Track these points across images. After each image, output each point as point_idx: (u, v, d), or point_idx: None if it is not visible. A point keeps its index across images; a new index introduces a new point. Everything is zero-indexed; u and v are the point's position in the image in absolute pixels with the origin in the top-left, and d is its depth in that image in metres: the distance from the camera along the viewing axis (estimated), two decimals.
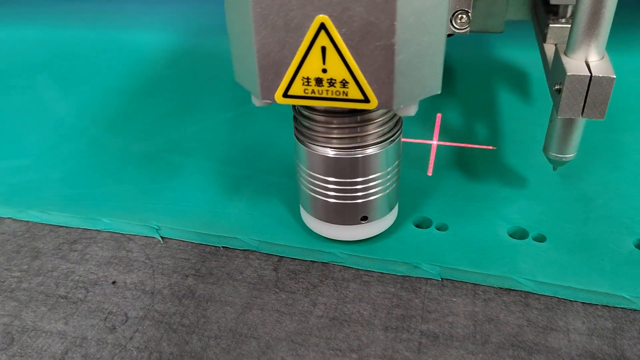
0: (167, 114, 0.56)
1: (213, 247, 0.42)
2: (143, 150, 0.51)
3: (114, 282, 0.40)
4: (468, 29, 0.36)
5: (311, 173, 0.37)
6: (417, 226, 0.42)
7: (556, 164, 0.39)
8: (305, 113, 0.34)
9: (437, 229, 0.41)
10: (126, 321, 0.37)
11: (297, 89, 0.30)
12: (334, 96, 0.30)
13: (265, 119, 0.54)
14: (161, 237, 0.43)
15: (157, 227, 0.42)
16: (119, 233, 0.44)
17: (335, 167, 0.35)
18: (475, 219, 0.41)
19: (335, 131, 0.34)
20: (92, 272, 0.41)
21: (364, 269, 0.39)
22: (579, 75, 0.32)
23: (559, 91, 0.33)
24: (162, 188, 0.46)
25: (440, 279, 0.38)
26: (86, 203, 0.46)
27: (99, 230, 0.44)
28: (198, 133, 0.53)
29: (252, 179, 0.46)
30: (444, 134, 0.51)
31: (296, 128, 0.36)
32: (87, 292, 0.39)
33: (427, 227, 0.41)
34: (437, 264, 0.38)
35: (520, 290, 0.37)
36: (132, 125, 0.54)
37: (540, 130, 0.41)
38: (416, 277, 0.39)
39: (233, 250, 0.42)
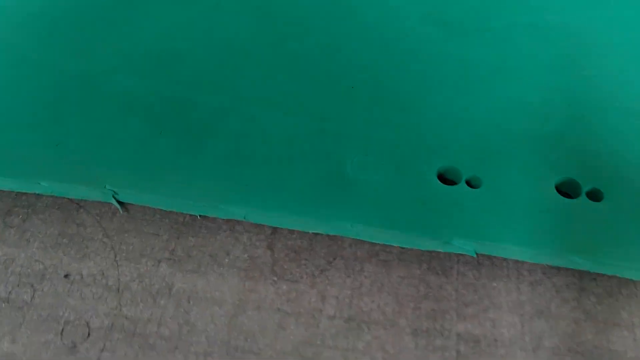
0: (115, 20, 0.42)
1: (188, 217, 0.33)
2: (84, 70, 0.38)
3: (66, 276, 0.31)
4: None
5: None
6: (442, 179, 0.33)
7: None
8: None
9: (468, 183, 0.33)
10: (89, 335, 0.29)
11: None
12: None
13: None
14: (119, 202, 0.33)
15: (114, 192, 0.33)
16: (64, 198, 0.34)
17: None
18: (516, 170, 0.33)
19: None
20: (36, 260, 0.32)
21: (380, 242, 0.32)
22: None
23: None
24: (115, 131, 0.35)
25: (476, 255, 0.31)
26: (15, 158, 0.35)
27: (38, 195, 0.35)
28: (153, 43, 0.40)
29: (231, 113, 0.35)
30: None
31: None
32: (34, 290, 0.31)
33: (455, 181, 0.33)
34: (472, 237, 0.31)
35: (572, 269, 0.30)
36: (69, 34, 0.41)
37: None
38: (445, 253, 0.31)
39: (214, 220, 0.33)
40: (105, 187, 0.32)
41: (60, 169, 0.33)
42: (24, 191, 0.34)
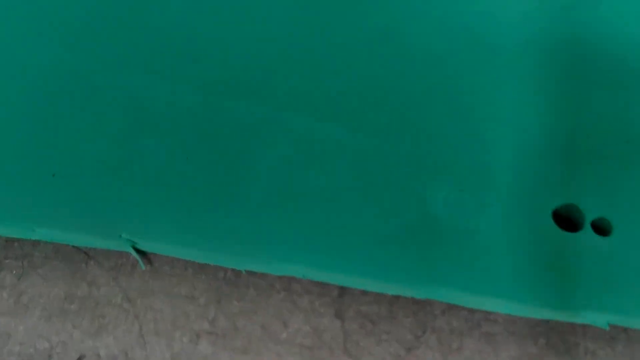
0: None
1: (231, 272, 0.26)
2: (81, 71, 0.29)
3: (80, 358, 0.24)
4: None
5: None
6: (560, 220, 0.25)
7: None
8: None
9: (595, 228, 0.25)
10: None
11: None
12: None
13: None
14: (139, 252, 0.26)
15: (133, 242, 0.25)
16: (68, 245, 0.27)
17: None
18: None
19: None
20: (40, 335, 0.25)
21: (480, 308, 0.25)
22: None
23: None
24: (127, 156, 0.27)
25: (608, 328, 0.24)
26: (10, 200, 0.26)
27: (35, 242, 0.27)
28: (165, 41, 0.30)
29: (276, 128, 0.27)
30: None
31: None
32: None
33: (578, 224, 0.25)
34: (605, 307, 0.24)
35: None
36: (64, 34, 0.31)
37: None
38: (568, 324, 0.24)
39: (264, 276, 0.26)
40: (120, 236, 0.25)
41: (59, 210, 0.25)
42: (15, 237, 0.27)
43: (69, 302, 0.26)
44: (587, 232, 0.25)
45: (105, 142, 0.26)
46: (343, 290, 0.25)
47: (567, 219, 0.26)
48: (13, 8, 0.29)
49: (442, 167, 0.26)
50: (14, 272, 0.26)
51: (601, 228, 0.25)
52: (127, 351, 0.24)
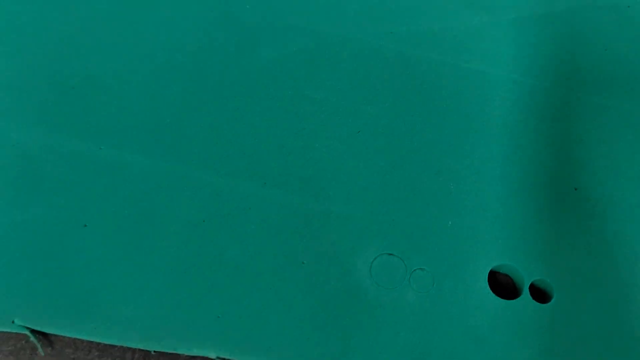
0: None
1: (139, 353, 0.24)
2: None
3: None
4: None
5: None
6: (496, 287, 0.24)
7: None
8: None
9: (534, 295, 0.23)
10: None
11: None
12: None
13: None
14: (37, 334, 0.23)
15: (27, 327, 0.23)
16: None
17: None
18: (597, 270, 0.23)
19: None
20: None
21: None
22: None
23: None
24: (15, 246, 0.23)
25: None
26: None
27: None
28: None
29: (175, 183, 0.25)
30: None
31: None
32: None
33: (517, 289, 0.23)
34: None
35: None
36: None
37: None
38: None
39: (175, 356, 0.23)
40: (13, 322, 0.22)
41: None
42: None
43: None
44: (525, 299, 0.23)
45: None
46: None
47: (504, 284, 0.24)
48: None
49: (371, 228, 0.24)
50: None
51: (541, 293, 0.23)
52: None
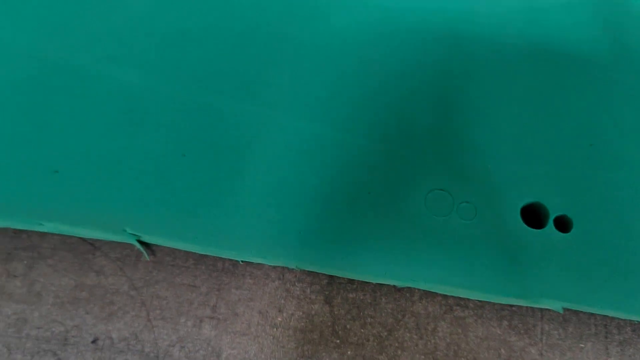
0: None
1: (229, 262, 0.28)
2: (72, 65, 0.30)
3: (94, 341, 0.27)
4: None
5: None
6: (527, 218, 0.28)
7: None
8: None
9: (557, 226, 0.28)
10: None
11: None
12: None
13: None
14: (142, 244, 0.28)
15: (136, 235, 0.27)
16: (74, 237, 0.29)
17: None
18: (609, 210, 0.28)
19: None
20: (54, 320, 0.27)
21: (452, 295, 0.28)
22: None
23: None
24: (123, 152, 0.28)
25: (563, 312, 0.27)
26: (17, 195, 0.28)
27: (42, 234, 0.29)
28: (158, 29, 0.31)
29: (269, 124, 0.29)
30: None
31: None
32: None
33: (542, 222, 0.28)
34: (560, 293, 0.27)
35: None
36: (57, 25, 0.31)
37: None
38: (528, 308, 0.28)
39: (260, 266, 0.28)
40: (125, 230, 0.27)
41: (64, 206, 0.27)
42: (24, 229, 0.28)
43: (79, 290, 0.28)
44: (550, 229, 0.28)
45: (103, 139, 0.28)
46: (332, 279, 0.28)
47: (533, 216, 0.29)
48: (5, 3, 0.29)
49: (425, 167, 0.28)
50: (25, 262, 0.28)
51: (563, 224, 0.28)
52: (137, 334, 0.27)
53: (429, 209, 0.28)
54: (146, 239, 0.27)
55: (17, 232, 0.29)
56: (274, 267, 0.28)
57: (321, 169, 0.28)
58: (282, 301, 0.28)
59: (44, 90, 0.28)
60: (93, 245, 0.29)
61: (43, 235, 0.29)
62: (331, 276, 0.28)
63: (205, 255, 0.28)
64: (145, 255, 0.28)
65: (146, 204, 0.27)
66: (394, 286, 0.28)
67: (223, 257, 0.28)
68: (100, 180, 0.27)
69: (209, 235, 0.27)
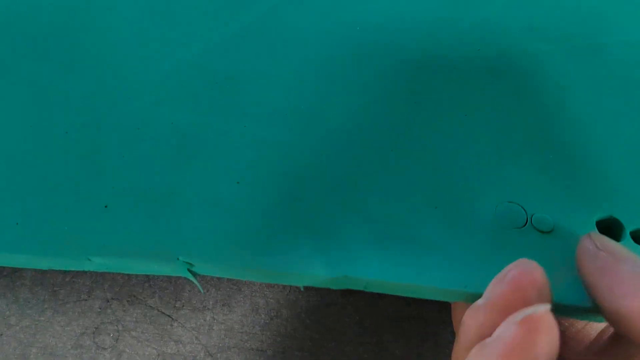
0: None
1: (290, 327, 0.33)
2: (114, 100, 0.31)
3: None
4: None
5: None
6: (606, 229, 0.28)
7: None
8: None
9: (636, 239, 0.27)
10: None
11: None
12: None
13: None
14: (193, 274, 0.27)
15: (189, 263, 0.26)
16: (155, 309, 0.33)
17: None
18: None
19: None
20: None
21: None
22: None
23: None
24: (184, 194, 0.28)
25: None
26: (64, 233, 0.27)
27: (124, 309, 0.33)
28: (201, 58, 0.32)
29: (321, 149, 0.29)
30: None
31: None
32: None
33: (617, 237, 0.28)
34: None
35: None
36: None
37: None
38: None
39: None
40: (178, 259, 0.26)
41: (113, 239, 0.26)
42: (70, 269, 0.28)
43: (161, 359, 0.32)
44: (628, 243, 0.27)
45: (152, 171, 0.28)
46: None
47: (608, 232, 0.28)
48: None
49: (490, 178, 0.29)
50: (111, 335, 0.32)
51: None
52: None
53: (499, 222, 0.27)
54: (199, 268, 0.26)
55: (103, 307, 0.33)
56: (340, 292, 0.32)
57: (382, 184, 0.29)
58: None
59: (97, 132, 0.29)
60: (170, 317, 0.33)
61: (126, 310, 0.33)
62: None
63: (270, 321, 0.32)
64: (200, 288, 0.29)
65: (199, 231, 0.27)
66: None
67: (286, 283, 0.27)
68: (151, 212, 0.27)
69: (270, 259, 0.26)
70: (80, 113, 0.30)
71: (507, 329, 0.19)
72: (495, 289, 0.21)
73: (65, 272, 0.34)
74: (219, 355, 0.32)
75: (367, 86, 0.31)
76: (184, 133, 0.29)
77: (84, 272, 0.34)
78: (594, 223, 0.27)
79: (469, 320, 0.22)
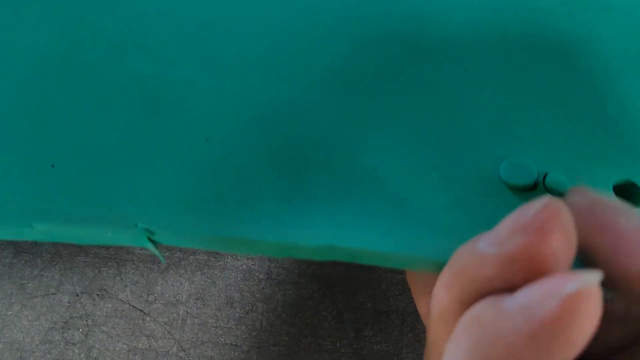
0: None
1: (266, 322, 0.32)
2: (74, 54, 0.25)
3: None
4: None
5: None
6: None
7: None
8: None
9: None
10: None
11: None
12: None
13: None
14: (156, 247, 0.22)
15: (150, 231, 0.22)
16: (126, 303, 0.32)
17: None
18: None
19: None
20: None
21: None
22: None
23: None
24: (143, 155, 0.23)
25: None
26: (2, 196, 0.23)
27: (94, 302, 0.32)
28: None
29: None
30: None
31: None
32: None
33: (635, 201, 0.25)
34: None
35: None
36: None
37: None
38: None
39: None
40: (136, 225, 0.21)
41: (60, 203, 0.22)
42: (7, 239, 0.23)
43: (132, 354, 0.31)
44: None
45: (109, 126, 0.24)
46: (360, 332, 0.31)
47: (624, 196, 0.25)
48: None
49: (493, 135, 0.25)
50: (80, 330, 0.31)
51: None
52: None
53: (505, 181, 0.24)
54: (160, 237, 0.22)
55: (72, 302, 0.32)
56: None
57: (380, 147, 0.25)
58: None
59: (46, 85, 0.25)
60: (142, 311, 0.32)
61: (96, 304, 0.32)
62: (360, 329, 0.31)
63: (245, 315, 0.32)
64: (161, 259, 0.23)
65: (162, 195, 0.22)
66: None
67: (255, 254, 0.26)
68: (104, 172, 0.23)
69: (234, 229, 0.22)
70: (28, 60, 0.25)
71: (544, 302, 0.14)
72: (517, 236, 0.16)
73: (33, 265, 0.33)
74: (192, 350, 0.31)
75: (354, 36, 0.27)
76: (146, 85, 0.25)
77: (53, 265, 0.33)
78: (611, 187, 0.24)
79: (471, 271, 0.17)
